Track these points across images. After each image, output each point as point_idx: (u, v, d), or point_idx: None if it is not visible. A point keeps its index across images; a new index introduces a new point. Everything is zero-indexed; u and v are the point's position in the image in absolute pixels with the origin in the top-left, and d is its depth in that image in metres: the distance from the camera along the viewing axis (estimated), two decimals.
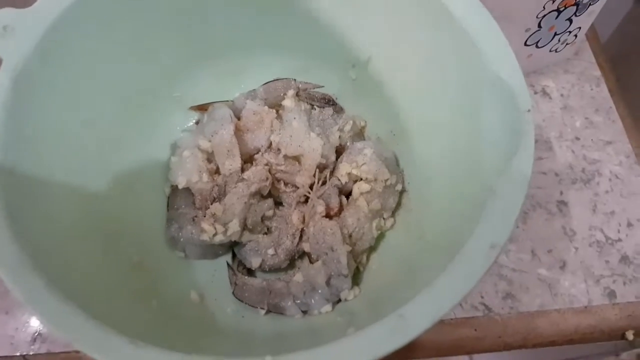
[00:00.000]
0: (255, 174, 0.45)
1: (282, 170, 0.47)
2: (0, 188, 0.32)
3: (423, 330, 0.27)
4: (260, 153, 0.48)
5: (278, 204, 0.48)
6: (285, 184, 0.48)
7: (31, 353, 0.44)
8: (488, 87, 0.35)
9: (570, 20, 0.51)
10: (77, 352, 0.43)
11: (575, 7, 0.49)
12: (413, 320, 0.27)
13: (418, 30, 0.41)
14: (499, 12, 0.36)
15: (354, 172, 0.46)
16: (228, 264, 0.46)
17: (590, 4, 0.50)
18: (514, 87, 0.33)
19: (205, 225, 0.43)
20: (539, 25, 0.50)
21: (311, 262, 0.44)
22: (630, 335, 0.46)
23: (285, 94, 0.50)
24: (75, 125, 0.40)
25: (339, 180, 0.46)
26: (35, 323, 0.45)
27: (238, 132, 0.48)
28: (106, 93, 0.43)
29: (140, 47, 0.45)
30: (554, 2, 0.47)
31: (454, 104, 0.40)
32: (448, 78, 0.40)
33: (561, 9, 0.49)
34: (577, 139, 0.55)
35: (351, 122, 0.50)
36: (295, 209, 0.46)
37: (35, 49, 0.36)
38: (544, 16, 0.49)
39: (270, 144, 0.48)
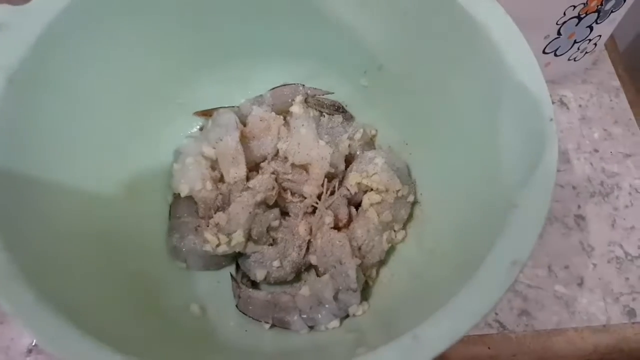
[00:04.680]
0: (261, 183, 0.44)
1: (289, 179, 0.46)
2: None
3: (438, 353, 0.25)
4: (266, 161, 0.47)
5: (284, 214, 0.46)
6: (292, 194, 0.46)
7: None
8: (508, 94, 0.33)
9: (590, 27, 0.50)
10: None
11: (596, 14, 0.48)
12: (428, 342, 0.25)
13: (435, 36, 0.40)
14: (517, 17, 0.35)
15: (364, 182, 0.44)
16: (232, 275, 0.44)
17: (612, 11, 0.49)
18: (536, 94, 0.32)
19: (208, 235, 0.42)
20: (559, 33, 0.49)
21: (318, 275, 0.43)
22: None
23: (293, 100, 0.49)
24: (74, 128, 0.39)
25: (348, 190, 0.45)
26: None
27: (244, 139, 0.47)
28: (107, 96, 0.42)
29: (143, 49, 0.43)
30: (574, 8, 0.46)
31: (471, 112, 0.38)
32: (466, 85, 0.38)
33: (582, 16, 0.48)
34: (596, 151, 0.54)
35: (361, 130, 0.49)
36: (302, 219, 0.45)
37: (32, 48, 0.35)
38: (564, 23, 0.48)
39: (277, 151, 0.47)
